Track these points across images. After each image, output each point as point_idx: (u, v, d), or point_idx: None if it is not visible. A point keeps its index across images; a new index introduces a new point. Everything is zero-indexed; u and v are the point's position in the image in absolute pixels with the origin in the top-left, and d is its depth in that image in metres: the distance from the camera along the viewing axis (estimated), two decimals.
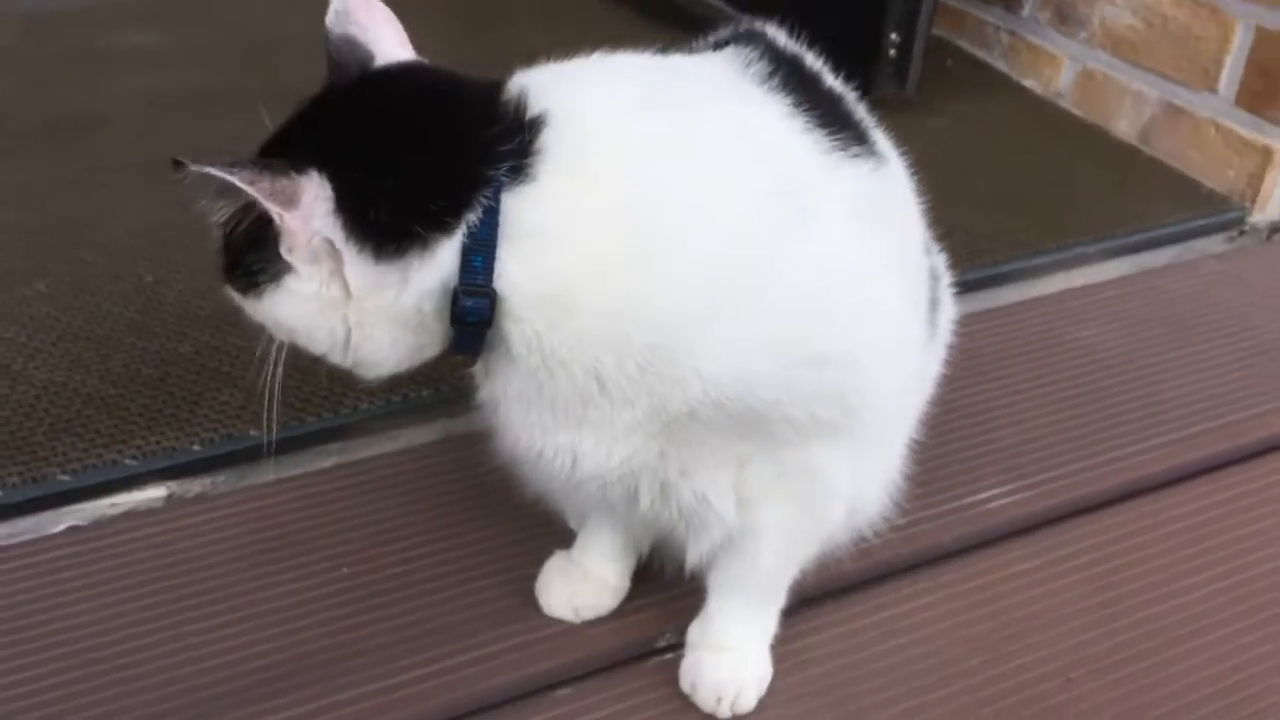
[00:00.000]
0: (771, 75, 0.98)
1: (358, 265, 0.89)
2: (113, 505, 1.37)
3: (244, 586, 1.24)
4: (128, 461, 1.39)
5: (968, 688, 1.18)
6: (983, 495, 1.39)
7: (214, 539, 1.30)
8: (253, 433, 1.44)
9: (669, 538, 1.15)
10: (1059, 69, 2.31)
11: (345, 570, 1.27)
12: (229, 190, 0.85)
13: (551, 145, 0.87)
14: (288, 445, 1.45)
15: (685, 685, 1.15)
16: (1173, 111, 2.12)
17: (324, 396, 1.49)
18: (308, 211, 0.86)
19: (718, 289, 0.88)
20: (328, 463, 1.46)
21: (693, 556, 1.10)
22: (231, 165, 0.84)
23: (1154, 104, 2.15)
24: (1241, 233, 2.03)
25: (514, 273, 0.88)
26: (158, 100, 2.10)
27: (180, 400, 1.47)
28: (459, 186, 0.87)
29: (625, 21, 2.44)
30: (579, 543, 1.24)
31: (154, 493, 1.39)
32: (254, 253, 0.91)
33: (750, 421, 0.94)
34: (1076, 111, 2.28)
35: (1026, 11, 2.34)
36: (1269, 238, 2.03)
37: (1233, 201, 2.04)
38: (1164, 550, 1.35)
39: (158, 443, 1.41)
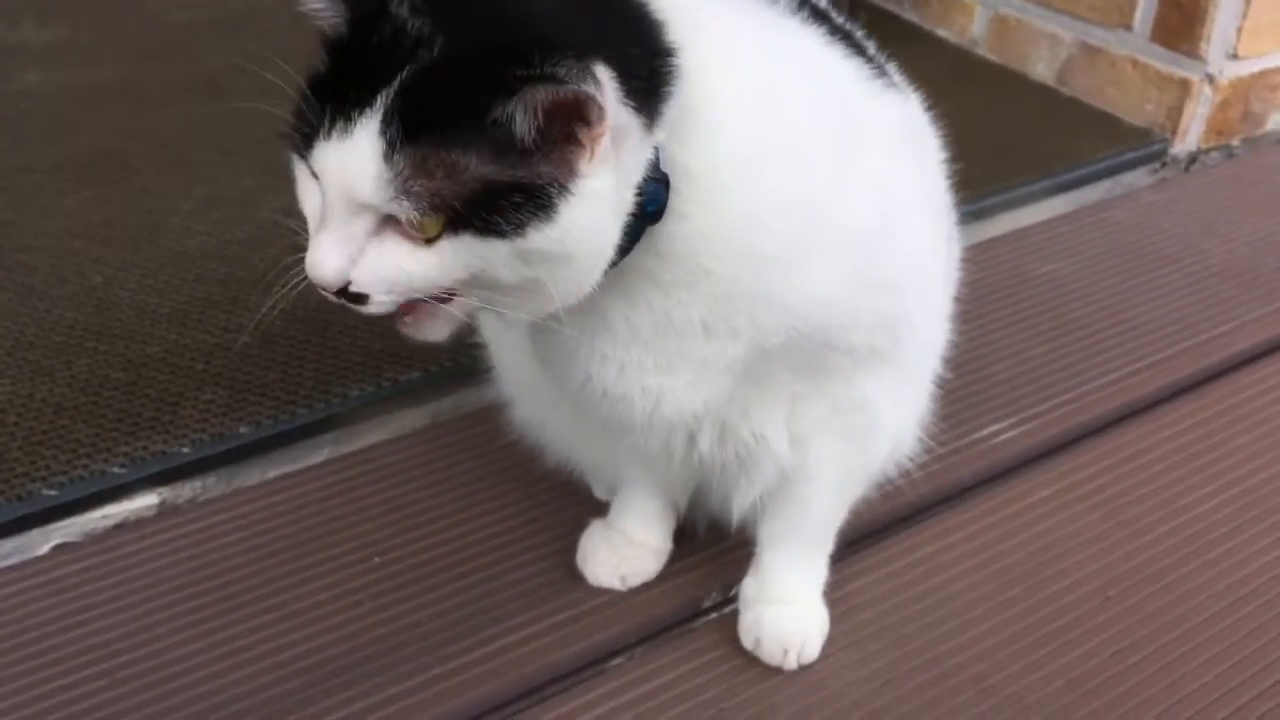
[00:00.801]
0: (800, 7, 0.98)
1: (635, 147, 0.80)
2: (104, 517, 1.30)
3: (274, 586, 1.19)
4: (115, 470, 1.31)
5: (1014, 615, 1.20)
6: (988, 430, 1.42)
7: (228, 542, 1.24)
8: (242, 429, 1.37)
9: (709, 492, 1.14)
10: (971, 17, 2.36)
11: (376, 560, 1.22)
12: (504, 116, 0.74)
13: (687, 43, 0.83)
14: (278, 440, 1.39)
15: (748, 641, 1.14)
16: (1089, 51, 2.18)
17: (310, 387, 1.43)
18: (612, 103, 0.76)
19: (819, 207, 0.88)
20: (321, 456, 1.40)
21: (743, 502, 1.10)
22: (541, 78, 0.73)
23: (1070, 45, 2.21)
24: (1164, 164, 2.10)
25: (681, 157, 0.84)
26: (74, 95, 1.98)
27: (160, 402, 1.40)
28: (664, 59, 0.81)
29: None
30: (616, 508, 1.22)
31: (145, 500, 1.32)
32: (522, 175, 0.77)
33: (815, 354, 0.95)
34: (992, 57, 2.32)
35: None
36: (1188, 168, 2.11)
37: (1154, 134, 2.11)
38: (1166, 468, 1.39)
39: (144, 448, 1.33)
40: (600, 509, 1.26)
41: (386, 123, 0.75)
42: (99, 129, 1.89)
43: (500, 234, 0.77)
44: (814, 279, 0.89)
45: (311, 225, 0.83)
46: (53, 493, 1.28)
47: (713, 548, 1.25)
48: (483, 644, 1.14)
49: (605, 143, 0.77)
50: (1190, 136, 2.10)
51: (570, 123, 0.75)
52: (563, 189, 0.77)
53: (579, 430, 1.20)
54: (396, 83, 0.75)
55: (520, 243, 0.78)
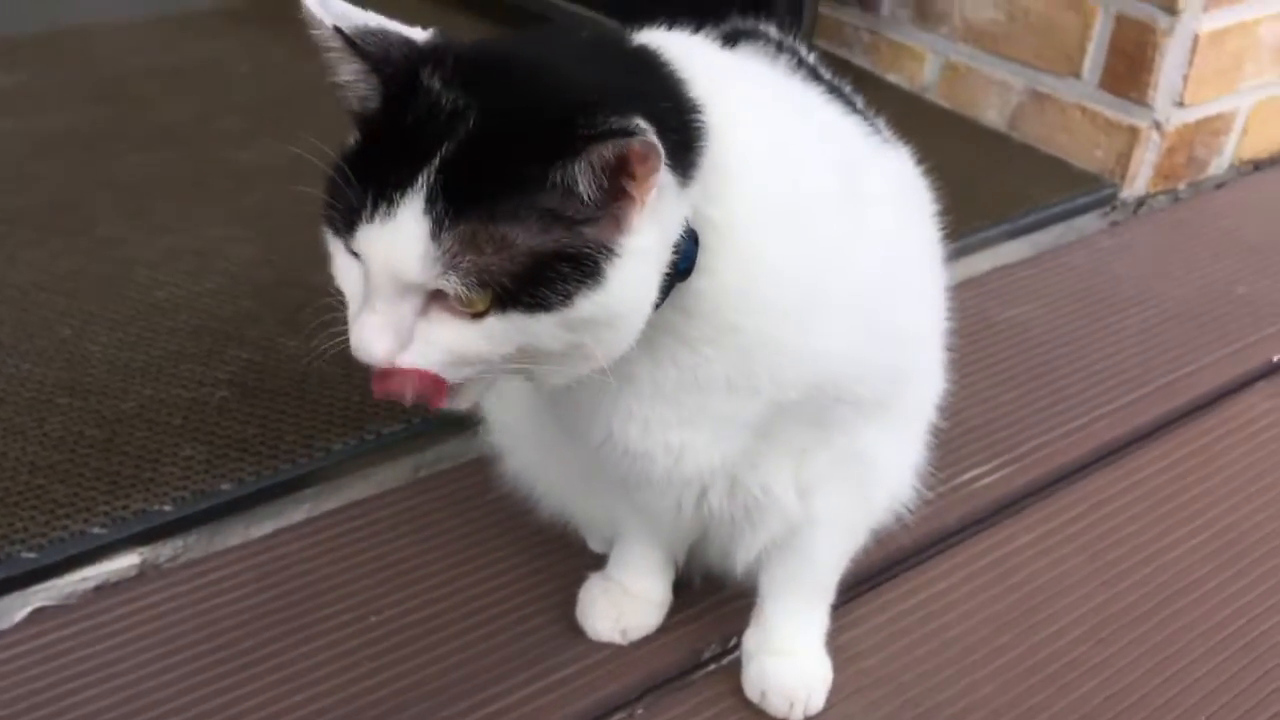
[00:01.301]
0: (797, 68, 1.00)
1: (673, 202, 0.81)
2: (83, 579, 1.26)
3: (268, 649, 1.16)
4: (95, 530, 1.28)
5: (1010, 662, 1.21)
6: (970, 475, 1.44)
7: (217, 603, 1.22)
8: (224, 486, 1.35)
9: (711, 544, 1.15)
10: (922, 63, 2.41)
11: (373, 619, 1.20)
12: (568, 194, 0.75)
13: (709, 101, 0.84)
14: (260, 497, 1.37)
15: (753, 694, 1.14)
16: (1039, 98, 2.24)
17: (291, 441, 1.41)
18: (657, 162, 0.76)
19: (835, 260, 0.90)
20: (302, 513, 1.38)
21: (747, 555, 1.11)
22: (604, 134, 0.73)
23: (1020, 92, 2.26)
24: (1113, 208, 2.15)
25: (708, 212, 0.84)
26: (32, 143, 1.94)
27: (139, 460, 1.37)
28: (693, 115, 0.82)
29: (447, 16, 2.41)
30: (615, 561, 1.21)
31: (126, 561, 1.29)
32: (568, 243, 0.77)
33: (825, 408, 0.96)
34: (944, 103, 2.37)
35: (886, 10, 2.43)
36: (1136, 211, 2.17)
37: (1104, 180, 2.16)
38: (1141, 511, 1.42)
39: (124, 506, 1.30)
40: (597, 562, 1.25)
41: (431, 201, 0.75)
42: (59, 178, 1.85)
43: (548, 307, 0.77)
44: (831, 333, 0.91)
45: (353, 303, 0.82)
46: (31, 555, 1.24)
47: (709, 598, 1.25)
48: (487, 703, 1.12)
49: (653, 196, 0.77)
50: (1139, 182, 2.17)
51: (620, 178, 0.76)
52: (609, 253, 0.77)
53: (576, 483, 1.20)
54: (437, 159, 0.75)
55: (568, 313, 0.78)
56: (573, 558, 1.28)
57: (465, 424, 1.44)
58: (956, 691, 1.18)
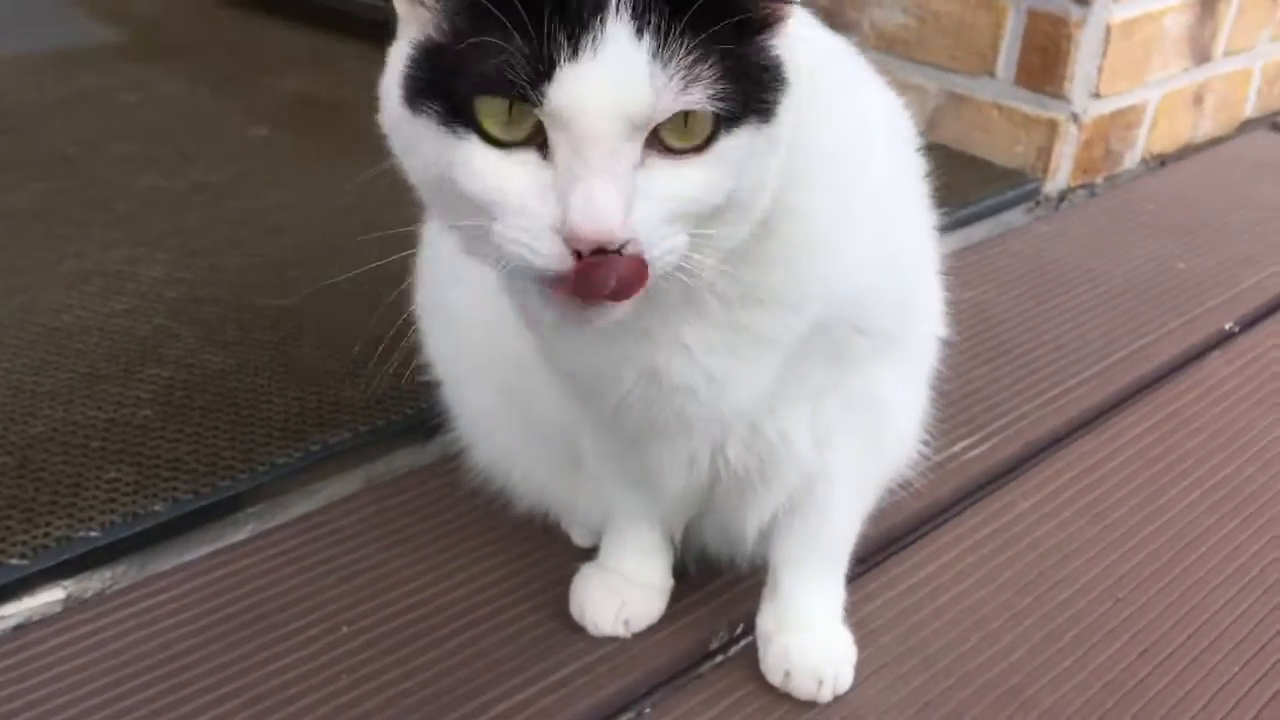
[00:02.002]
0: None
1: None
2: (1, 619, 1.11)
3: (229, 672, 1.03)
4: (14, 562, 1.13)
5: (1033, 625, 1.14)
6: (957, 448, 1.38)
7: (163, 628, 1.08)
8: (157, 508, 1.21)
9: (712, 516, 1.07)
10: None
11: (345, 629, 1.07)
12: None
13: None
14: (197, 518, 1.23)
15: (776, 677, 1.05)
16: (956, 99, 2.23)
17: (230, 458, 1.28)
18: None
19: (858, 173, 0.87)
20: (244, 533, 1.25)
21: (760, 517, 1.04)
22: None
23: (936, 95, 2.26)
24: (1037, 203, 2.15)
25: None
26: None
27: (56, 485, 1.22)
28: None
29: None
30: (610, 547, 1.11)
31: (49, 595, 1.14)
32: (765, 46, 0.71)
33: (843, 340, 0.93)
34: None
35: None
36: (1058, 206, 2.17)
37: (1027, 175, 2.16)
38: (1132, 473, 1.38)
39: (45, 534, 1.16)
40: (583, 556, 1.15)
41: (641, 15, 0.64)
42: None
43: (768, 115, 0.70)
44: (860, 243, 0.88)
45: (536, 208, 0.68)
46: None
47: (710, 584, 1.15)
48: (483, 710, 1.01)
49: None
50: (1060, 175, 2.17)
51: None
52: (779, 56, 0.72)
53: (558, 467, 1.11)
54: None
55: (776, 126, 0.71)
56: (557, 554, 1.18)
57: (418, 430, 1.34)
58: (986, 660, 1.10)
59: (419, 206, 0.92)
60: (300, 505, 1.28)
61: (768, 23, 0.71)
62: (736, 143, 0.69)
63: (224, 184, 1.86)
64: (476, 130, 0.68)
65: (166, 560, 1.20)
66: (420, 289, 1.15)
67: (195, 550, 1.21)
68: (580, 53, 0.64)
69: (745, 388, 0.88)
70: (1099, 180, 2.23)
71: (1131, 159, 2.29)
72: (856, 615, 1.12)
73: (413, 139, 0.71)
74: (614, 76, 0.65)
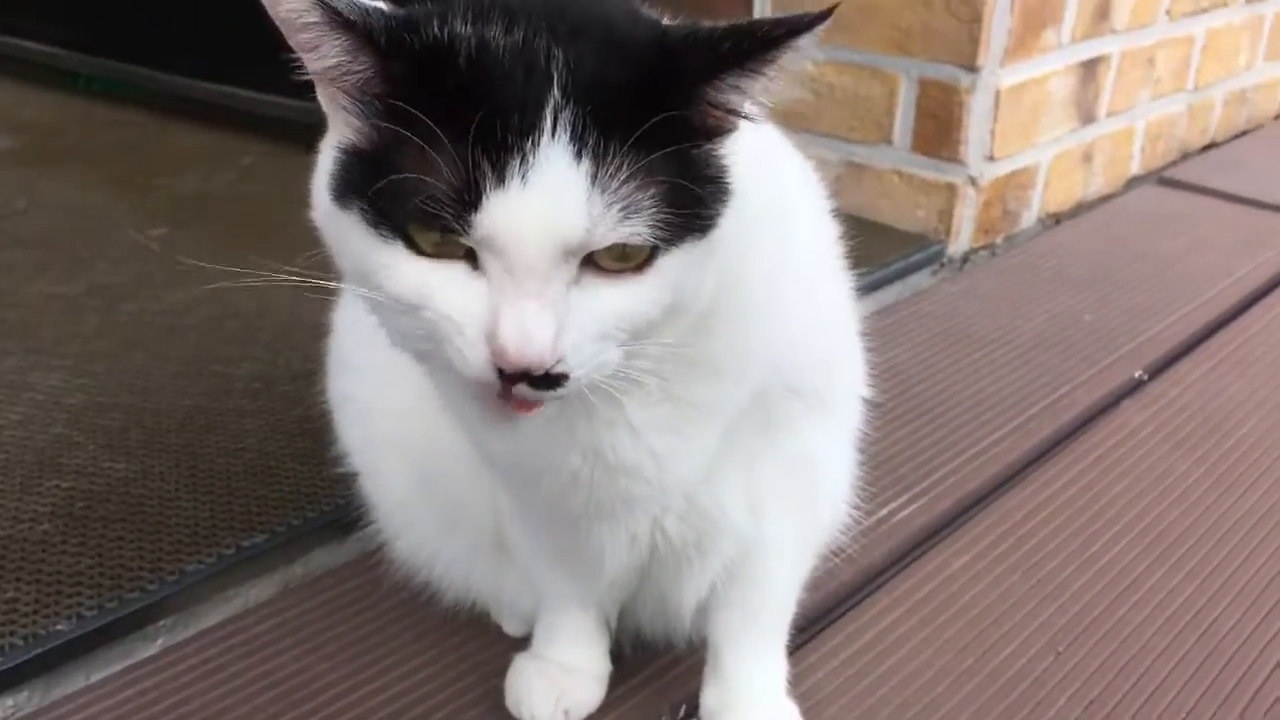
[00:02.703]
0: None
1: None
2: None
3: None
4: None
5: (979, 685, 1.13)
6: (886, 510, 1.37)
7: None
8: (60, 626, 1.14)
9: (648, 595, 1.04)
10: None
11: None
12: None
13: None
14: (104, 634, 1.17)
15: None
16: (855, 168, 2.27)
17: (136, 569, 1.22)
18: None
19: (790, 244, 0.88)
20: (155, 646, 1.18)
21: (698, 591, 1.01)
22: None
23: (836, 165, 2.29)
24: (942, 265, 2.18)
25: None
26: None
27: None
28: None
29: None
30: (544, 635, 1.07)
31: None
32: (711, 151, 0.69)
33: (774, 403, 0.92)
34: None
35: None
36: (962, 267, 2.20)
37: (930, 238, 2.19)
38: (1062, 523, 1.38)
39: None
40: (515, 646, 1.11)
41: (579, 141, 0.62)
42: None
43: (712, 228, 0.68)
44: (788, 306, 0.87)
45: (463, 320, 0.66)
46: None
47: (648, 667, 1.12)
48: None
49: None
50: (963, 237, 2.20)
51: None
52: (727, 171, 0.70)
53: (485, 555, 1.07)
54: (554, 94, 0.62)
55: (715, 235, 0.69)
56: (488, 645, 1.14)
57: (335, 526, 1.29)
58: None
59: (325, 298, 0.89)
60: (214, 614, 1.22)
61: (716, 134, 0.69)
62: (675, 261, 0.68)
63: (122, 286, 1.81)
64: (403, 239, 0.66)
65: (73, 682, 1.13)
66: (331, 377, 1.12)
67: (104, 669, 1.14)
68: (508, 179, 0.62)
69: (689, 461, 0.86)
70: (999, 240, 2.27)
71: (1029, 218, 2.34)
72: (800, 687, 1.09)
73: (341, 233, 0.69)
74: (546, 205, 0.62)
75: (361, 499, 1.15)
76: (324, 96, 0.70)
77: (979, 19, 2.06)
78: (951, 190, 2.17)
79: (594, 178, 0.63)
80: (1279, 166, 2.64)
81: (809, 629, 1.18)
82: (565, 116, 0.62)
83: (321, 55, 0.66)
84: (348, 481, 1.15)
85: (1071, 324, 1.86)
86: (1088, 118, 2.39)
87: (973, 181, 2.16)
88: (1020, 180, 2.28)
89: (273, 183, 2.22)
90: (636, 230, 0.64)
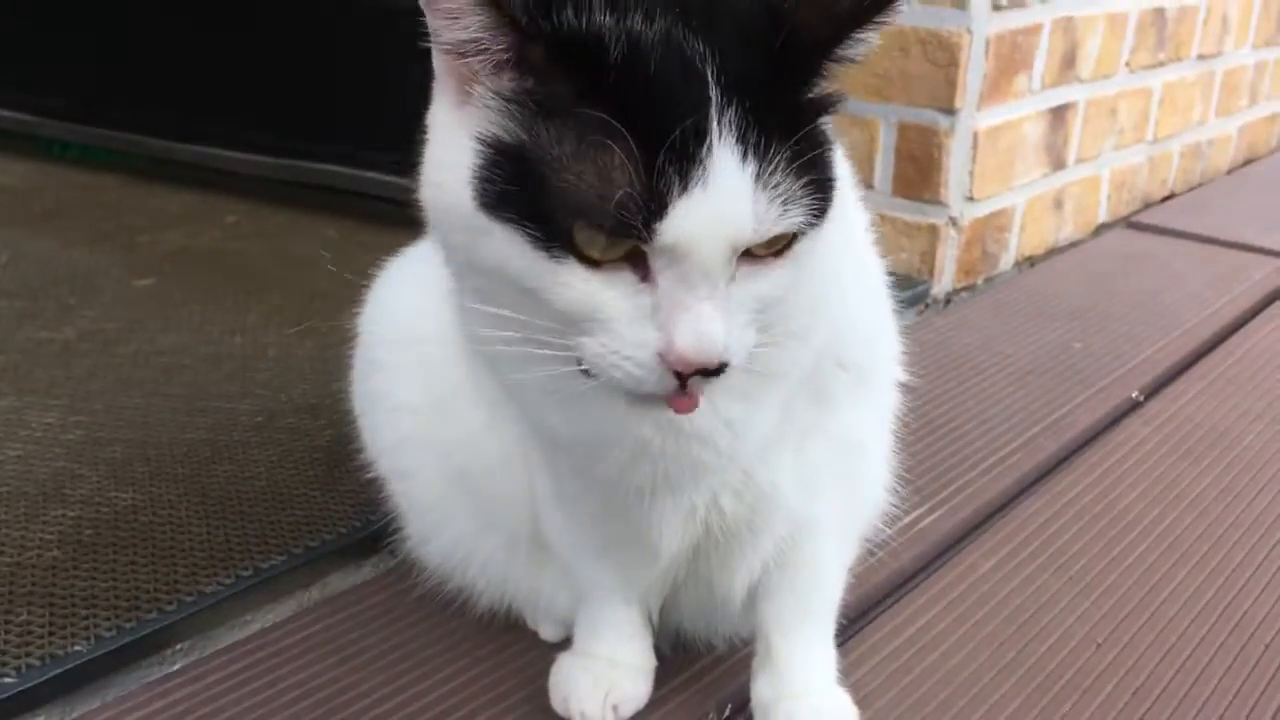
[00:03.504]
0: None
1: None
2: None
3: None
4: None
5: (1023, 678, 1.11)
6: (910, 517, 1.36)
7: None
8: (78, 647, 1.10)
9: (696, 584, 1.02)
10: None
11: None
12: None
13: None
14: (123, 655, 1.13)
15: None
16: None
17: (154, 590, 1.19)
18: None
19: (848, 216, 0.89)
20: (177, 664, 1.14)
21: (750, 573, 0.99)
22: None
23: None
24: (927, 305, 2.20)
25: None
26: None
27: None
28: None
29: None
30: (587, 632, 1.05)
31: None
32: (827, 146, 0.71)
33: (828, 376, 0.92)
34: None
35: None
36: (945, 308, 2.23)
37: (914, 279, 2.22)
38: (1085, 525, 1.38)
39: None
40: (554, 651, 1.08)
41: (744, 141, 0.63)
42: None
43: (832, 203, 0.70)
44: (844, 273, 0.88)
45: (635, 338, 0.67)
46: None
47: (692, 666, 1.10)
48: None
49: None
50: (945, 277, 2.23)
51: None
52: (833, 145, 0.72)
53: (522, 554, 1.05)
54: (716, 95, 0.63)
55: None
56: (524, 651, 1.11)
57: (353, 549, 1.27)
58: (985, 713, 1.06)
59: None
60: (233, 636, 1.18)
61: (831, 108, 0.70)
62: (808, 241, 0.70)
63: (114, 331, 1.78)
64: (573, 252, 0.65)
65: (93, 700, 1.08)
66: (357, 381, 1.11)
67: (125, 687, 1.10)
68: (691, 186, 0.63)
69: (757, 430, 0.86)
70: (979, 282, 2.31)
71: (1006, 261, 2.38)
72: (848, 681, 1.07)
73: (485, 242, 0.68)
74: (724, 209, 0.63)
75: (390, 507, 1.13)
76: (449, 69, 0.69)
77: (955, 63, 2.12)
78: (933, 231, 2.20)
79: (757, 176, 0.64)
80: (1240, 210, 2.72)
81: (850, 627, 1.16)
82: (728, 118, 0.63)
83: (462, 26, 0.66)
84: (368, 501, 1.13)
85: (1063, 351, 1.89)
86: (1058, 163, 2.45)
87: (954, 222, 2.20)
88: (998, 222, 2.32)
89: (258, 239, 2.21)
90: (794, 220, 0.66)
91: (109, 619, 1.14)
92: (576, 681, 1.02)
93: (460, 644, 1.12)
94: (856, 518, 1.04)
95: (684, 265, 0.65)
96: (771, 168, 0.64)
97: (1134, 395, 1.74)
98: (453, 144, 0.69)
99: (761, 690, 1.01)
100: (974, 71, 2.13)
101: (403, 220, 1.10)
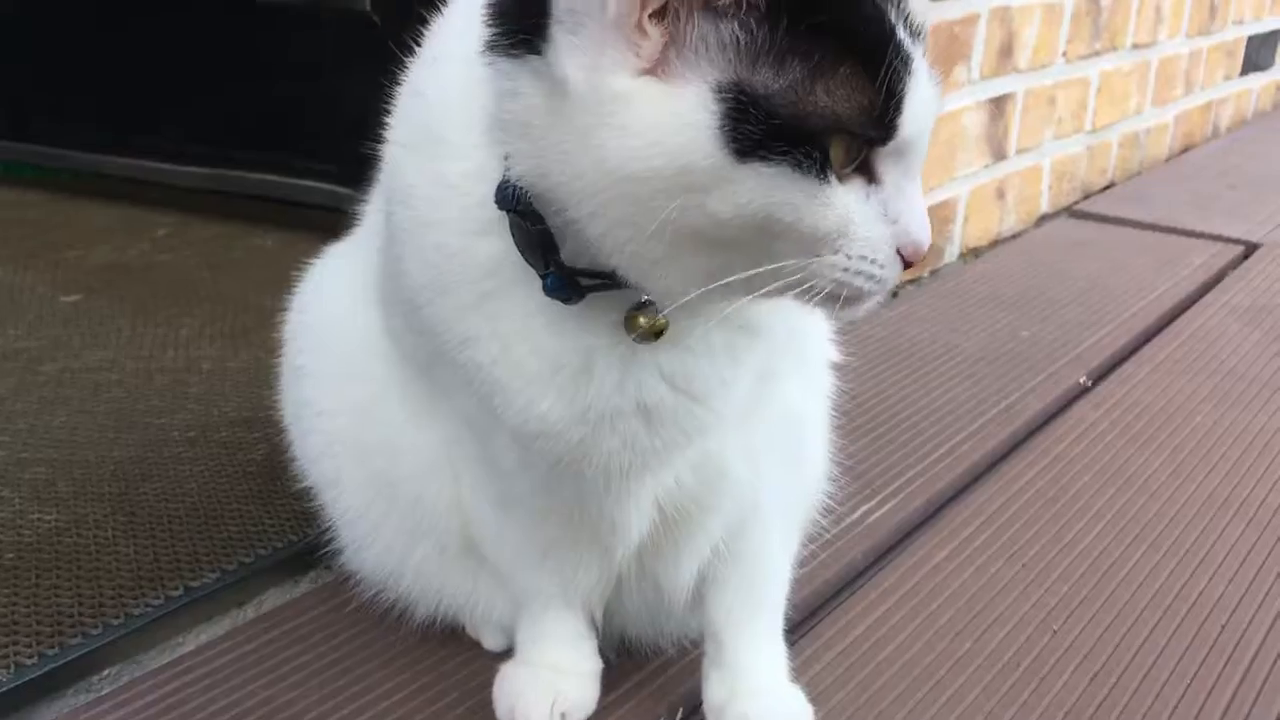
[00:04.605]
0: None
1: None
2: None
3: None
4: None
5: (981, 667, 1.09)
6: (859, 513, 1.34)
7: None
8: None
9: (639, 587, 0.99)
10: None
11: None
12: None
13: None
14: (44, 683, 1.08)
15: None
16: None
17: (77, 614, 1.14)
18: None
19: None
20: (105, 689, 1.09)
21: (699, 557, 0.97)
22: None
23: None
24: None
25: None
26: None
27: None
28: None
29: None
30: (530, 639, 1.01)
31: None
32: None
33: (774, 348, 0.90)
34: None
35: None
36: (894, 295, 2.20)
37: None
38: (1038, 510, 1.37)
39: None
40: (497, 660, 1.04)
41: (914, 36, 0.70)
42: None
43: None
44: None
45: (870, 226, 0.70)
46: None
47: (639, 672, 1.06)
48: None
49: None
50: None
51: None
52: None
53: (453, 557, 1.01)
54: (891, 10, 0.69)
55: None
56: (468, 662, 1.07)
57: (291, 566, 1.22)
58: (944, 705, 1.04)
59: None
60: (165, 656, 1.13)
61: None
62: None
63: (38, 349, 1.72)
64: (833, 172, 0.68)
65: None
66: (284, 390, 1.07)
67: (48, 716, 1.05)
68: (912, 85, 0.69)
69: (740, 389, 0.86)
70: (925, 274, 2.29)
71: (951, 252, 2.37)
72: (801, 678, 1.04)
73: (726, 187, 0.68)
74: (931, 99, 0.70)
75: (323, 517, 1.08)
76: (626, 35, 0.67)
77: None
78: None
79: (929, 71, 0.71)
80: (1179, 196, 2.73)
81: (802, 624, 1.13)
82: (901, 25, 0.69)
83: None
84: (304, 515, 1.10)
85: (1011, 339, 1.88)
86: (999, 154, 2.45)
87: None
88: (942, 214, 2.31)
89: (189, 251, 2.16)
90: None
91: (30, 646, 1.09)
92: (521, 692, 0.98)
93: (399, 656, 1.08)
94: (799, 503, 1.03)
95: (908, 157, 0.71)
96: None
97: (1082, 380, 1.73)
98: (667, 107, 0.68)
99: (713, 691, 0.98)
100: None
101: (341, 227, 1.07)
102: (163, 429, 1.49)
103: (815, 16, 0.66)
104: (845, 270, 0.71)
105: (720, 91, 0.67)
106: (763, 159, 0.67)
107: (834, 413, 1.50)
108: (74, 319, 1.84)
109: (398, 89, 0.84)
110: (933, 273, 2.31)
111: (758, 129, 0.67)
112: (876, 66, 0.67)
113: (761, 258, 0.71)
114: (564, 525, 0.93)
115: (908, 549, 1.29)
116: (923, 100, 0.69)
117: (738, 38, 0.67)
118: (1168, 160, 3.26)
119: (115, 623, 1.13)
